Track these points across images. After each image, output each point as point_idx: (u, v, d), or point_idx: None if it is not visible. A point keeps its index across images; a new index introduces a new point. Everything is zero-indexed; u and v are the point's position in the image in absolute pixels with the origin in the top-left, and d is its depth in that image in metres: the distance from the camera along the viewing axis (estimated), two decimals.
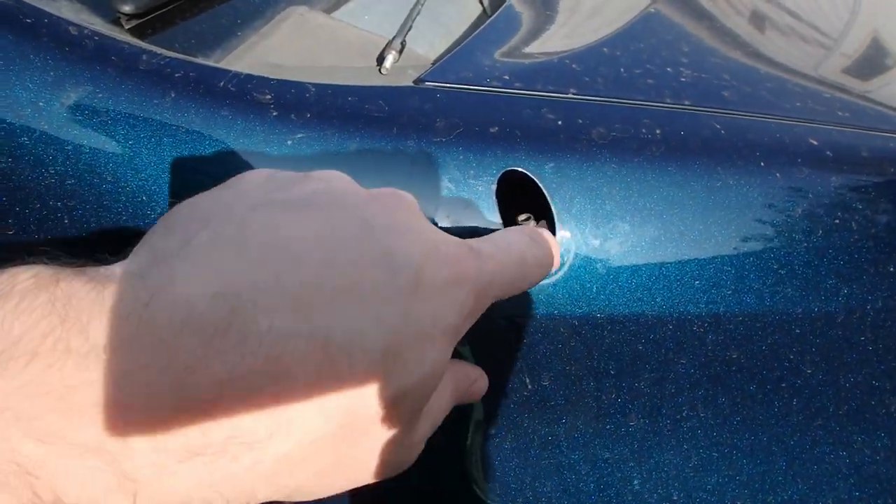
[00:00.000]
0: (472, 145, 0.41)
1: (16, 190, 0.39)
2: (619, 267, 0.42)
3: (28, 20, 0.40)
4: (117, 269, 0.25)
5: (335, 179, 0.31)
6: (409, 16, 0.52)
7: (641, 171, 0.42)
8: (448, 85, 0.44)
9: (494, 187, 0.41)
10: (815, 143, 0.45)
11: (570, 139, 0.42)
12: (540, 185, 0.41)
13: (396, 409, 0.28)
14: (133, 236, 0.40)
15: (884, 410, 0.45)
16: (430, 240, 0.30)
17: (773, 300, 0.43)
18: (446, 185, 0.41)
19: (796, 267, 0.43)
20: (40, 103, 0.39)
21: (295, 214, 0.28)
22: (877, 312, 0.44)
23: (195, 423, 0.23)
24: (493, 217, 0.41)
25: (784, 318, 0.43)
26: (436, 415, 0.33)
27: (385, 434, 0.29)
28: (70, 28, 0.40)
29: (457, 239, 0.32)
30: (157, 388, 0.22)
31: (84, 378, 0.21)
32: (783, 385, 0.44)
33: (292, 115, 0.41)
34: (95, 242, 0.40)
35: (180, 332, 0.23)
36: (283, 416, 0.24)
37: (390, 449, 0.29)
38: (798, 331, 0.43)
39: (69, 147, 0.39)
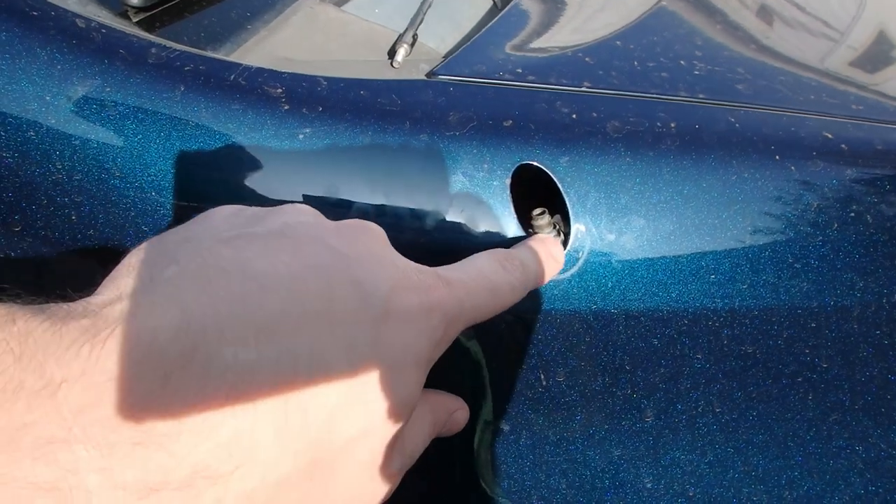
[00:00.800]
0: (485, 139, 0.41)
1: (23, 186, 0.38)
2: (635, 261, 0.41)
3: (35, 13, 0.39)
4: (79, 306, 0.24)
5: (303, 212, 0.31)
6: (420, 9, 0.51)
7: (657, 165, 0.41)
8: (461, 78, 0.44)
9: (509, 181, 0.40)
10: (829, 136, 0.45)
11: (585, 133, 0.42)
12: (555, 179, 0.41)
13: (366, 440, 0.28)
14: (140, 233, 0.40)
15: None
16: (400, 268, 0.30)
17: (788, 294, 0.42)
18: (460, 180, 0.40)
19: (812, 261, 0.42)
20: (47, 97, 0.38)
21: (262, 246, 0.27)
22: (892, 306, 0.44)
23: (154, 460, 0.22)
24: (508, 212, 0.40)
25: (799, 312, 0.42)
26: (411, 447, 0.32)
27: (354, 468, 0.28)
28: (77, 21, 0.39)
29: (425, 267, 0.32)
30: (112, 424, 0.21)
31: (35, 416, 0.20)
32: (799, 380, 0.44)
33: (304, 109, 0.40)
34: (103, 238, 0.39)
35: (139, 367, 0.22)
36: (247, 451, 0.24)
37: (360, 483, 0.29)
38: (813, 325, 0.43)
39: (76, 142, 0.38)
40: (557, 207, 0.42)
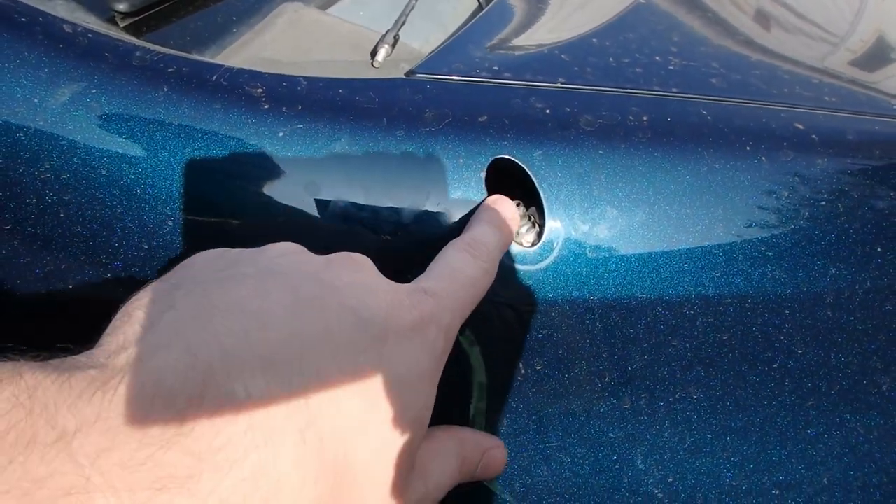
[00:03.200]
0: (461, 134, 0.42)
1: (11, 185, 0.40)
2: (609, 251, 0.42)
3: (23, 19, 0.41)
4: (83, 357, 0.24)
5: (290, 250, 0.32)
6: (404, 11, 0.53)
7: (629, 157, 0.42)
8: (438, 76, 0.45)
9: (484, 175, 0.41)
10: (800, 127, 0.46)
11: (559, 127, 0.43)
12: (529, 172, 0.42)
13: (382, 460, 0.28)
14: (126, 230, 0.41)
15: (875, 390, 0.46)
16: (390, 292, 0.31)
17: (761, 282, 0.43)
18: (436, 174, 0.41)
19: (784, 249, 0.43)
20: (35, 100, 0.39)
21: (255, 285, 0.28)
22: (865, 293, 0.44)
23: (178, 503, 0.21)
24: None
25: (773, 299, 0.43)
26: (436, 478, 0.33)
27: (374, 491, 0.28)
28: (64, 26, 0.41)
29: (410, 285, 0.33)
30: (131, 468, 0.21)
31: (52, 468, 0.20)
32: (775, 366, 0.44)
33: (284, 108, 0.41)
34: (91, 235, 0.41)
35: (150, 408, 0.22)
36: (271, 483, 0.23)
37: None
38: (787, 312, 0.44)
39: (64, 143, 0.39)
40: (532, 200, 0.43)
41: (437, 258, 0.37)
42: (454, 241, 0.38)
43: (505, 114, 0.43)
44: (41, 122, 0.39)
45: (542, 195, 0.42)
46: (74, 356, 0.24)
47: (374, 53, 0.49)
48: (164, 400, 0.22)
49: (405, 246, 0.41)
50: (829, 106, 0.49)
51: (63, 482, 0.20)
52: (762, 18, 0.63)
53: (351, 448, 0.26)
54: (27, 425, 0.20)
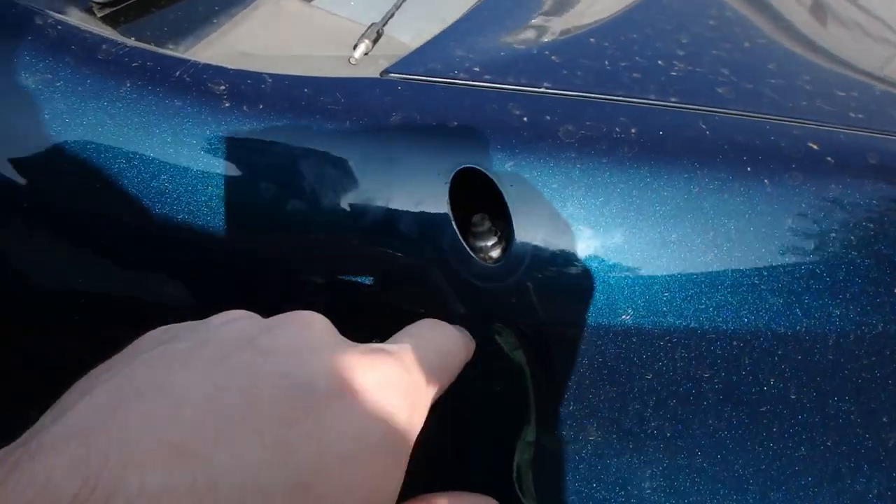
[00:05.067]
0: (427, 141, 0.41)
1: None
2: (578, 273, 0.40)
3: None
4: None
5: (234, 317, 0.30)
6: (396, 4, 0.51)
7: (609, 174, 0.40)
8: (413, 77, 0.44)
9: (448, 186, 0.40)
10: (814, 146, 0.42)
11: (535, 136, 0.41)
12: (497, 184, 0.40)
13: None
14: (83, 224, 0.42)
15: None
16: (339, 351, 0.28)
17: (749, 318, 0.40)
18: (398, 182, 0.40)
19: (782, 283, 0.40)
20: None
21: (181, 359, 0.26)
22: (876, 338, 0.41)
23: None
24: (446, 216, 0.39)
25: (758, 335, 0.40)
26: None
27: None
28: (35, 18, 0.41)
29: (372, 345, 0.30)
30: None
31: None
32: (762, 409, 0.41)
33: (244, 107, 0.41)
34: (51, 226, 0.41)
35: None
36: None
37: None
38: (777, 350, 0.40)
39: (22, 133, 0.40)
40: (500, 213, 0.41)
41: (402, 332, 0.34)
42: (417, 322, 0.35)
43: (478, 120, 0.41)
44: (6, 114, 0.40)
45: (509, 209, 0.40)
46: None
47: (354, 49, 0.48)
48: (48, 498, 0.20)
49: (360, 260, 0.40)
50: (853, 123, 0.45)
51: None
52: (788, 20, 0.58)
53: None
54: None
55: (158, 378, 0.24)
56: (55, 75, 0.40)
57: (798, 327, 0.40)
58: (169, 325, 0.30)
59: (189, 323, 0.30)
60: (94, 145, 0.40)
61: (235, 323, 0.29)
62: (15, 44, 0.40)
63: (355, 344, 0.29)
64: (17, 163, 0.40)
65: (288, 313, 0.30)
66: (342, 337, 0.30)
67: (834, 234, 0.40)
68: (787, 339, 0.40)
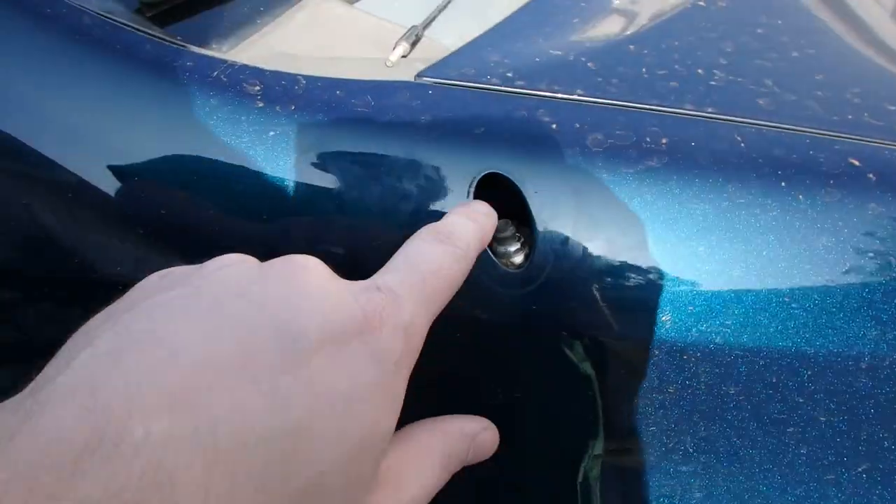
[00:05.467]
0: (453, 145, 0.41)
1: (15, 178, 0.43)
2: (599, 282, 0.39)
3: (48, 10, 0.44)
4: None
5: (228, 262, 0.31)
6: (439, 6, 0.52)
7: (635, 183, 0.40)
8: (445, 81, 0.44)
9: (472, 190, 0.40)
10: (855, 163, 0.41)
11: (562, 144, 0.41)
12: (522, 190, 0.40)
13: (322, 495, 0.26)
14: (121, 220, 0.43)
15: None
16: (333, 295, 0.29)
17: (776, 338, 0.39)
18: (421, 186, 0.40)
19: (812, 305, 0.39)
20: (49, 89, 0.42)
21: (177, 309, 0.27)
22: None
23: None
24: None
25: (784, 357, 0.39)
26: (412, 487, 0.31)
27: None
28: (84, 17, 0.44)
29: (363, 283, 0.31)
30: None
31: None
32: (790, 430, 0.40)
33: (277, 107, 0.42)
34: (89, 215, 0.43)
35: (43, 458, 0.21)
36: None
37: None
38: (807, 372, 0.39)
39: (69, 132, 0.42)
40: (524, 220, 0.41)
41: (398, 252, 0.34)
42: (417, 233, 0.36)
43: (506, 126, 0.41)
44: (50, 112, 0.42)
45: (533, 216, 0.40)
46: None
47: (392, 51, 0.49)
48: (58, 448, 0.21)
49: (380, 258, 0.41)
50: None
51: None
52: (843, 30, 0.56)
53: (279, 483, 0.25)
54: None
55: (156, 328, 0.26)
56: (99, 73, 0.42)
57: (831, 348, 0.39)
58: (166, 270, 0.31)
59: (185, 268, 0.31)
60: (128, 144, 0.42)
61: (230, 269, 0.30)
62: (63, 42, 0.42)
63: (348, 284, 0.30)
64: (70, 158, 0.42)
65: (283, 257, 0.31)
66: (337, 278, 0.31)
67: (871, 255, 0.39)
68: (815, 360, 0.39)
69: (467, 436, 0.35)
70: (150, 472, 0.22)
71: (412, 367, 0.31)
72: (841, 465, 0.42)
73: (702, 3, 0.53)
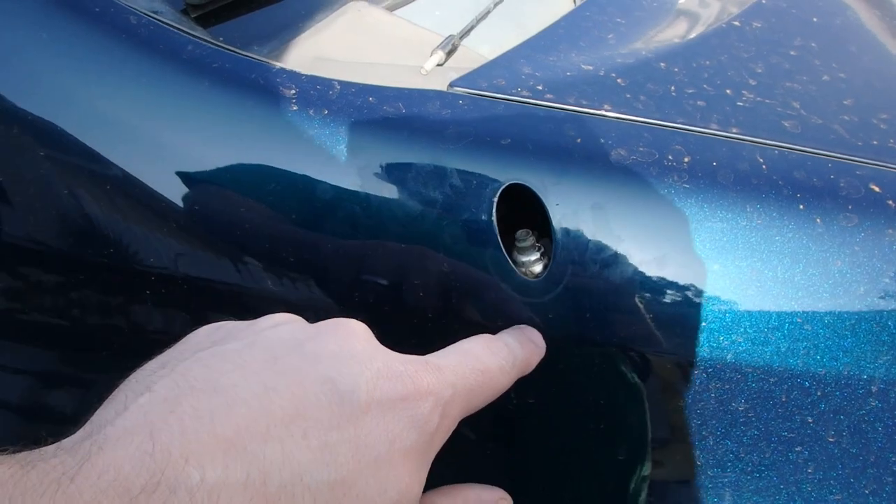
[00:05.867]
0: (480, 156, 0.42)
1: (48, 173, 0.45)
2: (616, 295, 0.41)
3: (96, 9, 0.46)
4: (50, 448, 0.25)
5: (282, 321, 0.33)
6: (478, 16, 0.53)
7: (655, 200, 0.41)
8: (475, 92, 0.46)
9: (496, 200, 0.41)
10: (876, 189, 0.41)
11: (585, 158, 0.42)
12: (543, 202, 0.41)
13: None
14: (159, 214, 0.46)
15: None
16: (380, 360, 0.31)
17: (784, 360, 0.40)
18: (447, 194, 0.42)
19: (821, 329, 0.40)
20: (93, 86, 0.44)
21: (234, 360, 0.28)
22: None
23: None
24: (491, 229, 0.41)
25: (789, 377, 0.40)
26: None
27: None
28: (130, 17, 0.46)
29: (412, 357, 0.33)
30: None
31: None
32: (798, 449, 0.41)
33: (311, 111, 0.44)
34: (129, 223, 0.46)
35: (103, 498, 0.22)
36: None
37: None
38: (817, 392, 0.40)
39: (111, 126, 0.44)
40: (544, 231, 0.42)
41: (453, 345, 0.36)
42: (475, 336, 0.38)
43: (531, 139, 0.43)
44: (97, 107, 0.45)
45: (553, 227, 0.41)
46: (43, 447, 0.25)
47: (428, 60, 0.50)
48: (118, 490, 0.23)
49: (403, 264, 0.42)
50: None
51: None
52: (878, 54, 0.56)
53: None
54: None
55: (213, 377, 0.27)
56: (141, 72, 0.45)
57: (839, 372, 0.40)
58: (219, 324, 0.33)
59: (238, 323, 0.33)
60: (169, 138, 0.44)
61: (283, 327, 0.32)
62: (109, 42, 0.45)
63: (395, 354, 0.32)
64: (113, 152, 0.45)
65: (332, 320, 0.33)
66: (382, 346, 0.33)
67: (887, 280, 0.40)
68: (825, 384, 0.40)
69: (486, 503, 0.36)
70: None
71: (440, 446, 0.32)
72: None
73: (737, 24, 0.54)
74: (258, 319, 0.33)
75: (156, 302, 0.46)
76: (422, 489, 0.31)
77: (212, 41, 0.47)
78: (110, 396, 0.28)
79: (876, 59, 0.56)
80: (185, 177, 0.44)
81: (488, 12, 0.54)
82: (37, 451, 0.25)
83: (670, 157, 0.42)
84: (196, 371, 0.27)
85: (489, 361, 0.35)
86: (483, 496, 0.36)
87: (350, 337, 0.32)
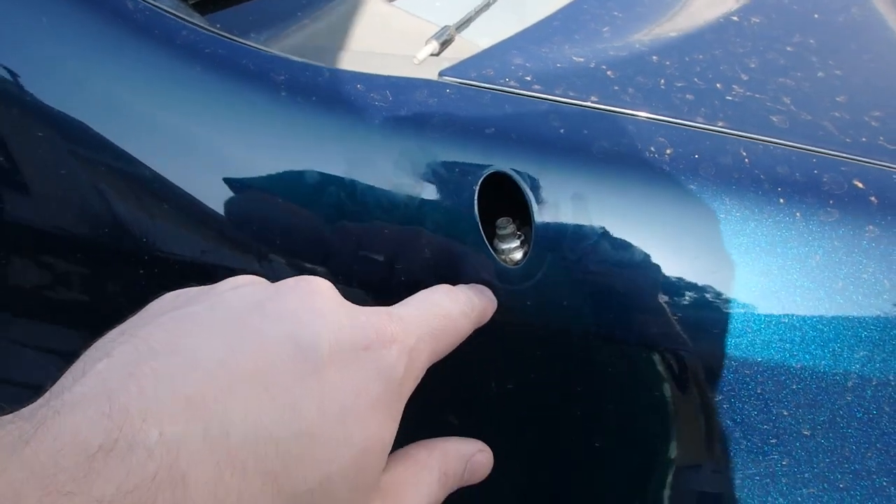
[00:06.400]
0: (463, 143, 0.43)
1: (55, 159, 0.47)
2: (594, 285, 0.41)
3: None
4: (7, 416, 0.25)
5: (242, 282, 0.33)
6: (476, 9, 0.54)
7: (635, 191, 0.41)
8: (464, 81, 0.46)
9: (477, 188, 0.42)
10: (859, 185, 0.41)
11: (566, 149, 0.43)
12: (524, 190, 0.42)
13: (327, 498, 0.28)
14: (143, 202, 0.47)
15: None
16: (343, 313, 0.32)
17: (756, 350, 0.40)
18: (429, 181, 0.43)
19: (797, 328, 0.40)
20: (86, 69, 0.46)
21: (193, 321, 0.29)
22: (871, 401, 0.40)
23: None
24: (472, 216, 0.42)
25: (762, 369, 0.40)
26: (412, 502, 0.33)
27: None
28: (128, 3, 0.48)
29: (376, 308, 0.33)
30: None
31: None
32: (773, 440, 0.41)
33: (299, 98, 0.45)
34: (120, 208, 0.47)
35: (58, 459, 0.23)
36: None
37: None
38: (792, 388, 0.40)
39: (87, 110, 0.46)
40: (525, 220, 0.43)
41: (414, 295, 0.37)
42: (434, 286, 0.39)
43: (515, 128, 0.44)
44: (90, 91, 0.46)
45: (533, 216, 0.42)
46: (2, 416, 0.25)
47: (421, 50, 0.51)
48: (74, 449, 0.23)
49: (385, 247, 0.43)
50: None
51: None
52: (876, 52, 0.55)
53: (288, 483, 0.27)
54: None
55: (173, 339, 0.28)
56: (136, 57, 0.46)
57: (814, 366, 0.40)
58: (179, 291, 0.34)
59: (199, 288, 0.34)
60: (164, 123, 0.46)
61: (244, 288, 0.33)
62: (104, 27, 0.46)
63: (358, 307, 0.33)
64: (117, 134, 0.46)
65: (294, 278, 0.34)
66: (345, 301, 0.33)
67: (866, 277, 0.40)
68: (800, 378, 0.40)
69: (463, 456, 0.37)
70: (164, 472, 0.24)
71: (410, 393, 0.33)
72: None
73: (735, 19, 0.54)
74: (219, 283, 0.34)
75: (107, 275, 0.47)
76: (392, 438, 0.31)
77: (206, 27, 0.48)
78: (70, 367, 0.28)
79: (876, 58, 0.56)
80: (172, 160, 0.45)
81: (488, 5, 0.55)
82: None
83: (652, 149, 0.43)
84: (156, 335, 0.28)
85: (450, 307, 0.36)
86: (462, 448, 0.37)
87: (312, 294, 0.32)
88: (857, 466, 0.42)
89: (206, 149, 0.45)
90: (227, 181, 0.45)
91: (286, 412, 0.27)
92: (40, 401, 0.26)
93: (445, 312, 0.36)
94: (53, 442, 0.23)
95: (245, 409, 0.26)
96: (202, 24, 0.48)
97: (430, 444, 0.37)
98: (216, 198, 0.45)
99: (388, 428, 0.31)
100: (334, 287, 0.34)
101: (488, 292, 0.41)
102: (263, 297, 0.31)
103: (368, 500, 0.31)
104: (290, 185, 0.44)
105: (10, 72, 0.46)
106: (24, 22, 0.46)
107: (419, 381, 0.33)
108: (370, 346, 0.30)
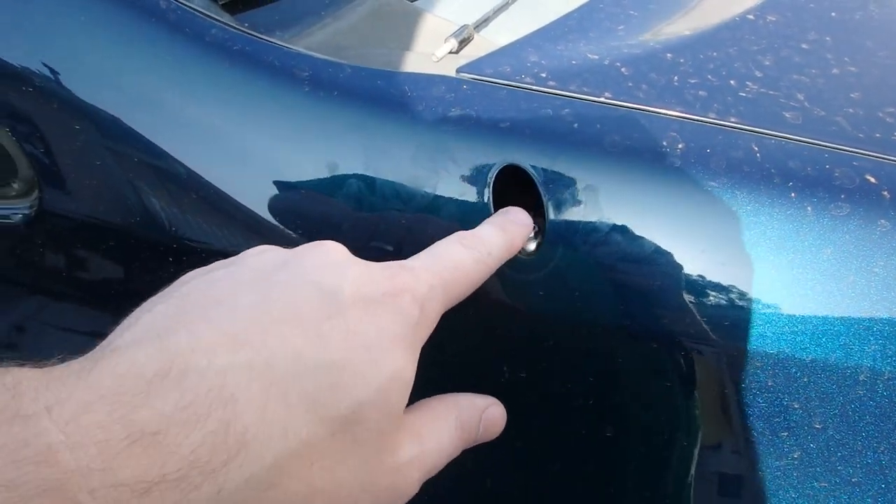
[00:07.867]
0: (479, 137, 0.45)
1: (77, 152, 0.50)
2: (606, 277, 0.43)
3: None
4: (67, 361, 0.28)
5: (262, 250, 0.37)
6: (495, 8, 0.56)
7: (646, 184, 0.43)
8: (480, 77, 0.49)
9: (491, 180, 0.44)
10: (871, 180, 0.42)
11: (579, 143, 0.45)
12: (537, 183, 0.44)
13: (359, 423, 0.31)
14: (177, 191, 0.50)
15: None
16: (359, 267, 0.35)
17: (765, 343, 0.41)
18: (446, 173, 0.45)
19: (805, 323, 0.41)
20: (122, 66, 0.49)
21: (227, 280, 0.33)
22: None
23: (148, 455, 0.25)
24: (487, 208, 0.44)
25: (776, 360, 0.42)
26: (431, 441, 0.36)
27: (355, 453, 0.31)
28: (160, 2, 0.50)
29: (387, 262, 0.37)
30: (106, 427, 0.25)
31: (34, 431, 0.24)
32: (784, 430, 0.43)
33: (321, 93, 0.47)
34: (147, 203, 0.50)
35: (122, 381, 0.26)
36: (236, 441, 0.27)
37: (367, 470, 0.32)
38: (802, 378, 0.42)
39: (141, 106, 0.49)
40: (538, 211, 0.45)
41: (429, 247, 0.40)
42: (451, 235, 0.41)
43: (529, 123, 0.46)
44: (124, 87, 0.49)
45: (545, 208, 0.44)
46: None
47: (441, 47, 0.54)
48: (134, 375, 0.26)
49: (401, 241, 0.45)
50: None
51: (45, 439, 0.24)
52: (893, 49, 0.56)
53: (322, 410, 0.30)
54: (10, 403, 0.24)
55: (211, 293, 0.32)
56: (168, 55, 0.49)
57: (826, 360, 0.41)
58: (212, 265, 0.37)
59: (228, 259, 0.37)
60: (191, 115, 0.48)
61: (267, 254, 0.37)
62: (138, 26, 0.49)
63: (371, 262, 0.37)
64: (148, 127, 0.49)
65: (310, 243, 0.38)
66: (359, 258, 0.37)
67: (877, 271, 0.41)
68: (811, 371, 0.42)
69: (478, 407, 0.39)
70: (215, 391, 0.27)
71: (425, 339, 0.36)
72: None
73: (751, 17, 0.55)
74: (243, 252, 0.37)
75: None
76: (411, 377, 0.34)
77: (234, 26, 0.51)
78: (114, 330, 0.32)
79: (893, 55, 0.57)
80: (200, 152, 0.48)
81: (507, 4, 0.57)
82: (56, 363, 0.28)
83: (664, 144, 0.44)
84: (194, 294, 0.32)
85: (461, 255, 0.38)
86: (476, 401, 0.40)
87: (328, 252, 0.36)
88: (869, 460, 0.44)
89: (232, 141, 0.48)
90: (252, 173, 0.48)
91: (318, 347, 0.30)
92: (92, 353, 0.29)
93: (456, 262, 0.38)
94: (114, 369, 0.26)
95: (283, 345, 0.30)
96: (231, 23, 0.51)
97: (443, 397, 0.39)
98: (241, 188, 0.48)
99: (409, 364, 0.34)
100: (347, 249, 0.37)
101: (519, 216, 0.43)
102: (286, 257, 0.35)
103: (396, 431, 0.33)
104: (311, 176, 0.47)
105: (49, 68, 0.49)
106: (62, 21, 0.49)
107: (432, 329, 0.36)
108: (387, 293, 0.34)
